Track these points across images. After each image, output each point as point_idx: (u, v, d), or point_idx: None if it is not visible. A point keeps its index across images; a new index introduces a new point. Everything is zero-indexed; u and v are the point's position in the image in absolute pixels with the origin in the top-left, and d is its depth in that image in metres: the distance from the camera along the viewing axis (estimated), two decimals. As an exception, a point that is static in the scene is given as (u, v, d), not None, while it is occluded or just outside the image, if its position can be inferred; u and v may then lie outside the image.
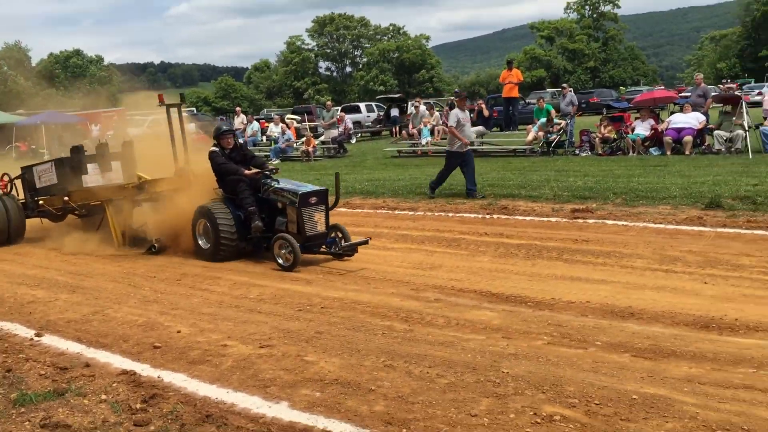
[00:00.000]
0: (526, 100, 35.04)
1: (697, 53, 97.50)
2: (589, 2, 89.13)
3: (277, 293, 7.03)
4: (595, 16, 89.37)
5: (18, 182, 11.48)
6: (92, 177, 10.80)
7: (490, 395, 4.20)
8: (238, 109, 31.81)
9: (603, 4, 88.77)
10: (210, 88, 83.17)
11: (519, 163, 17.52)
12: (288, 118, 29.36)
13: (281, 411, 4.19)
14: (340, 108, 35.08)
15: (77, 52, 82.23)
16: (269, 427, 3.99)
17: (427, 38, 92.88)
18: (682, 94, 29.22)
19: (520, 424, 3.81)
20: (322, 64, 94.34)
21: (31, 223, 11.26)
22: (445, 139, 23.19)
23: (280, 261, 8.06)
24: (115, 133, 19.73)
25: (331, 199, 8.67)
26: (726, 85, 30.10)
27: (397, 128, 31.11)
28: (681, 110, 18.03)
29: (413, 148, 23.01)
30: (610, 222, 9.57)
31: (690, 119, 17.07)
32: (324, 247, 8.33)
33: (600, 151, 18.25)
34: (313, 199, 8.25)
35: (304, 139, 25.02)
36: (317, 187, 8.51)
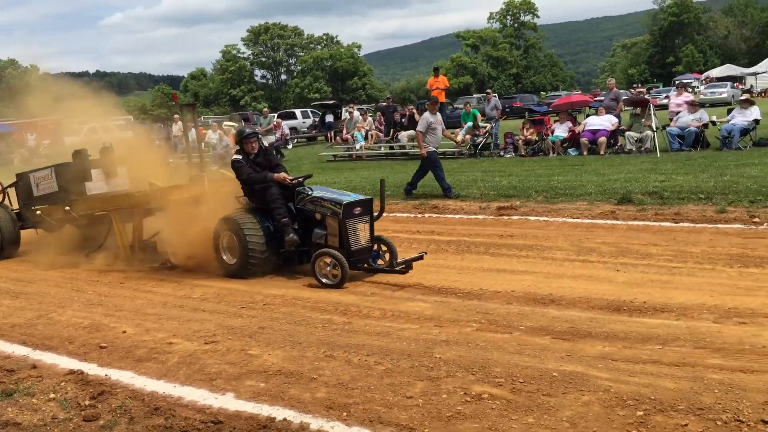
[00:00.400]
0: (454, 105, 35.88)
1: (611, 60, 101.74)
2: (510, 12, 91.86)
3: (220, 292, 7.20)
4: (516, 25, 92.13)
5: (11, 190, 10.59)
6: (96, 184, 9.74)
7: (424, 378, 4.50)
8: (176, 117, 31.41)
9: (523, 14, 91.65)
10: (147, 97, 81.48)
11: (448, 165, 17.91)
12: (225, 125, 29.20)
13: (227, 401, 4.39)
14: (276, 115, 35.13)
15: (12, 62, 79.20)
16: (216, 416, 4.18)
17: (359, 47, 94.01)
18: (597, 98, 30.49)
19: (452, 403, 4.11)
20: (258, 72, 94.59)
21: (25, 234, 10.45)
22: (378, 143, 23.76)
23: (325, 279, 7.12)
24: (52, 142, 19.06)
25: (376, 208, 7.76)
26: (637, 90, 31.59)
27: (332, 133, 31.35)
28: (596, 113, 18.95)
29: (348, 153, 23.46)
30: (532, 218, 10.06)
31: (604, 121, 17.95)
32: (366, 262, 7.51)
33: (523, 153, 18.99)
34: (358, 210, 7.38)
35: (242, 145, 25.06)
36: (361, 196, 7.67)
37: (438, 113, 13.30)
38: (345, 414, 4.09)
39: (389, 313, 6.06)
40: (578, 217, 9.78)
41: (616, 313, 5.65)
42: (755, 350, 4.63)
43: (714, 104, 35.55)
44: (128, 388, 4.70)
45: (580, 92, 48.44)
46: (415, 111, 25.60)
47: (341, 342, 5.32)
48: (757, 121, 16.24)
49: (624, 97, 20.80)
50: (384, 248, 7.65)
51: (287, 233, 7.55)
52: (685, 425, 3.65)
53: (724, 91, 41.20)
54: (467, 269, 7.45)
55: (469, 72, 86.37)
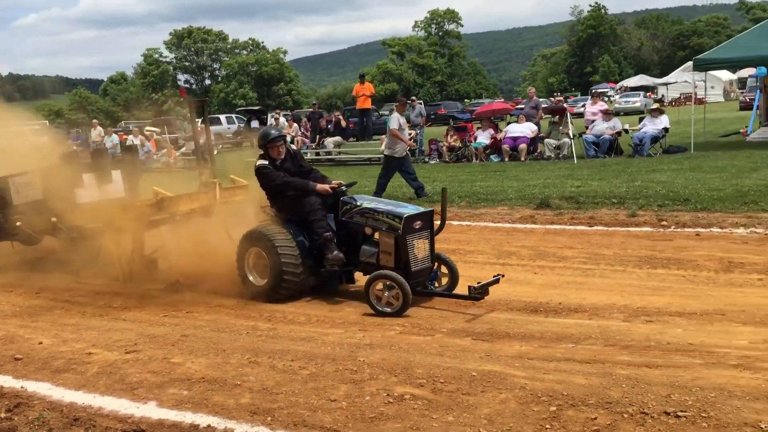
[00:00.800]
0: (380, 112, 36.21)
1: (532, 69, 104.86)
2: (434, 21, 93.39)
3: (141, 301, 7.06)
4: (440, 34, 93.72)
5: None
6: (88, 191, 8.35)
7: (348, 382, 4.58)
8: (94, 121, 30.63)
9: (447, 23, 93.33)
10: (63, 100, 78.46)
11: (374, 171, 18.10)
12: (147, 130, 28.57)
13: (149, 410, 4.36)
14: (200, 120, 34.55)
15: None
16: (138, 425, 4.15)
17: (285, 52, 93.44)
18: (519, 106, 31.33)
19: (375, 405, 4.21)
20: (181, 77, 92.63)
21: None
22: (304, 150, 23.72)
23: (381, 307, 6.11)
24: None
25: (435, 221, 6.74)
26: (556, 98, 32.66)
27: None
28: (516, 121, 19.54)
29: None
30: (455, 222, 10.25)
31: (524, 129, 18.54)
32: (424, 285, 6.49)
33: (447, 159, 19.38)
34: (418, 224, 6.33)
35: (164, 150, 24.60)
36: (421, 208, 6.59)
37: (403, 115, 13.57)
38: (269, 419, 4.12)
39: (314, 318, 6.12)
40: (499, 222, 10.08)
41: (533, 314, 5.88)
42: (660, 346, 4.90)
43: (628, 113, 37.26)
44: (46, 400, 4.60)
45: (502, 100, 49.56)
46: (341, 117, 25.80)
47: (266, 348, 5.34)
48: (666, 129, 17.10)
49: (543, 106, 21.51)
50: (443, 268, 6.67)
51: (330, 250, 6.48)
52: (595, 418, 3.84)
53: (638, 101, 43.14)
54: (391, 274, 7.55)
55: (395, 79, 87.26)
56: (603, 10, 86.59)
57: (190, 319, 6.32)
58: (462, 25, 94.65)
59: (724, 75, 50.02)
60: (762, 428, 3.58)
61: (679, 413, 3.80)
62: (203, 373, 4.89)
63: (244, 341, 5.56)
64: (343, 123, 25.24)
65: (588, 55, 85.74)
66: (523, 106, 22.33)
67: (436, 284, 6.65)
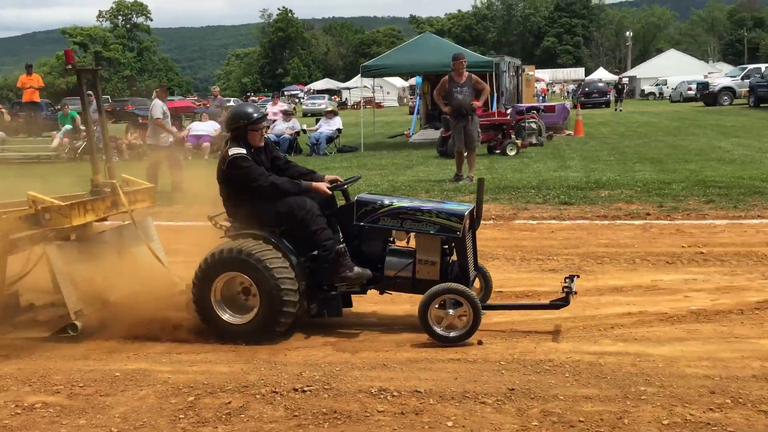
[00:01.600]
0: (56, 106, 33.37)
1: (226, 68, 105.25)
2: (121, 12, 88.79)
3: None
4: (128, 26, 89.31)
5: None
6: None
7: (-33, 400, 4.19)
8: None
9: (136, 15, 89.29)
10: None
11: (42, 170, 16.81)
12: None
13: None
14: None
15: None
16: None
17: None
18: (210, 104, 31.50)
19: (1, 418, 3.94)
20: None
21: None
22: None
23: (443, 331, 4.79)
24: None
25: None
26: (250, 98, 33.31)
27: None
28: (200, 119, 19.53)
29: None
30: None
31: (207, 127, 18.64)
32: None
33: (127, 157, 18.64)
34: (468, 223, 5.15)
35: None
36: (466, 204, 5.35)
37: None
38: None
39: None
40: (171, 220, 9.96)
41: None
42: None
43: (314, 114, 39.45)
44: None
45: (196, 98, 49.06)
46: (4, 111, 23.50)
47: None
48: (339, 130, 18.47)
49: (228, 104, 21.78)
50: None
51: (347, 266, 5.05)
52: (229, 402, 4.02)
53: (323, 103, 45.92)
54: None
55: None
56: (291, 14, 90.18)
57: None
58: (152, 19, 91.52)
59: (398, 82, 55.42)
60: (372, 392, 4.05)
61: (306, 388, 4.13)
62: None
63: None
64: (7, 117, 22.98)
65: (279, 57, 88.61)
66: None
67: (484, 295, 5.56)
